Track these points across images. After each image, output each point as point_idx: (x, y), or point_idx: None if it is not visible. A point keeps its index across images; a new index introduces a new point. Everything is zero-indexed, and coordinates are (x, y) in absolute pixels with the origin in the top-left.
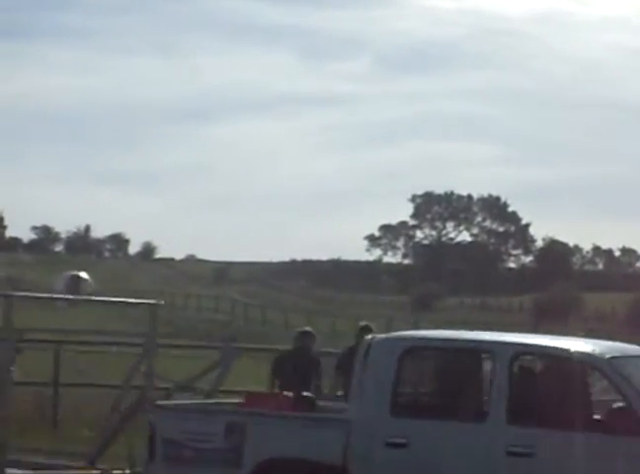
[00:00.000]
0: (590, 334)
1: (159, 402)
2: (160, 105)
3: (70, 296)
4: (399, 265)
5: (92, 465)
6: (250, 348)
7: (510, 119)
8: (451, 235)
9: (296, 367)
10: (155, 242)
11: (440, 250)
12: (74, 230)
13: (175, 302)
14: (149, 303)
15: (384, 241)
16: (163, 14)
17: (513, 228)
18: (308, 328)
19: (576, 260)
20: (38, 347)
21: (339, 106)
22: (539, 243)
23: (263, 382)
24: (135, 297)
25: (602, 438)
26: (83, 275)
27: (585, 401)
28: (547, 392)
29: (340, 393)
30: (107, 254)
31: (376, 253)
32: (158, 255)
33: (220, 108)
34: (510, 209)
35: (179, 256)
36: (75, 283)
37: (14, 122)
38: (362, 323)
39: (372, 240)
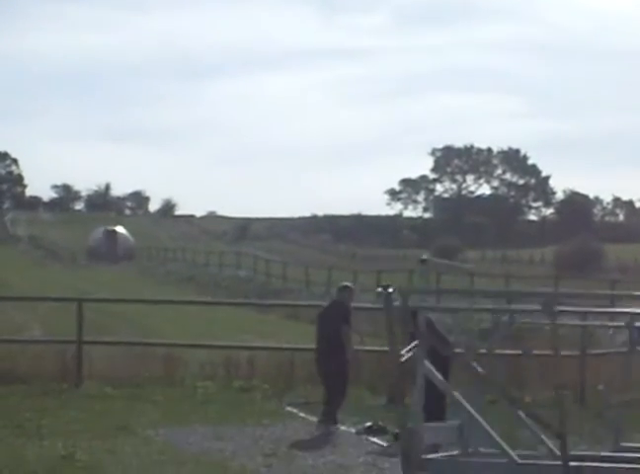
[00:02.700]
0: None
1: None
2: (177, 61)
3: None
4: (419, 218)
5: None
6: (274, 304)
7: (529, 72)
8: (472, 188)
9: (329, 318)
10: (175, 199)
11: (460, 203)
12: (94, 188)
13: (196, 259)
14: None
15: (405, 195)
16: None
17: (533, 181)
18: (347, 283)
19: (596, 211)
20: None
21: (358, 59)
22: (560, 195)
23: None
24: (163, 253)
25: None
26: (120, 229)
27: None
28: None
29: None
30: (127, 211)
31: (397, 207)
32: (178, 212)
33: (238, 63)
34: (530, 162)
35: (199, 213)
36: (112, 238)
37: (31, 81)
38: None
39: (393, 194)
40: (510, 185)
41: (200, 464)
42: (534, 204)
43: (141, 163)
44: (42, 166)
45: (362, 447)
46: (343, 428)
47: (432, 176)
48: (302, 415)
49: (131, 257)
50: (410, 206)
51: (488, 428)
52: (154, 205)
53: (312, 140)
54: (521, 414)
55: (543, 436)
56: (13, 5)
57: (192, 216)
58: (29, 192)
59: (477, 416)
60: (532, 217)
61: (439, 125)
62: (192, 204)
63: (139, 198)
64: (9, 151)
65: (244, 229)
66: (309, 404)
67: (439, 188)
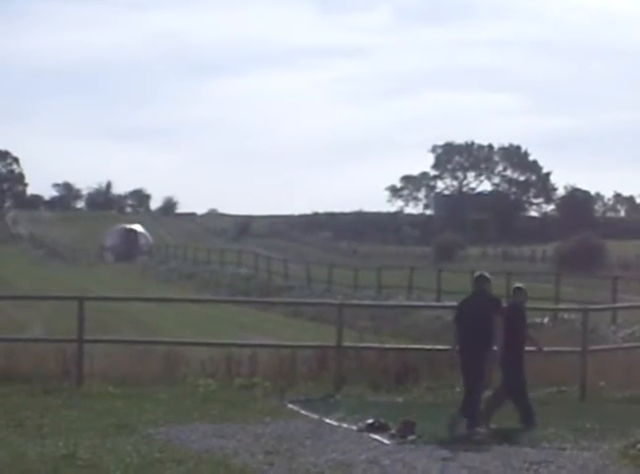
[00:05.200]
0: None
1: None
2: (177, 59)
3: None
4: (421, 215)
5: None
6: (276, 301)
7: (529, 69)
8: (472, 185)
9: (476, 309)
10: (176, 197)
11: (461, 200)
12: (95, 187)
13: (198, 257)
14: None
15: (405, 192)
16: None
17: (534, 177)
18: (483, 272)
19: (597, 207)
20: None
21: (358, 58)
22: (561, 191)
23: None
24: (164, 251)
25: None
26: (138, 228)
27: None
28: None
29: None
30: (128, 210)
31: (398, 204)
32: (179, 210)
33: (239, 61)
34: (530, 158)
35: (200, 210)
36: (132, 237)
37: (32, 80)
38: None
39: (394, 191)
40: (511, 181)
41: (202, 462)
42: (535, 201)
43: (142, 161)
44: (43, 164)
45: (364, 445)
46: (344, 425)
47: (432, 173)
48: (304, 412)
49: (150, 254)
50: (411, 203)
51: None
52: (155, 203)
53: (313, 138)
54: None
55: None
56: (13, 4)
57: (193, 214)
58: (30, 190)
59: None
60: (533, 214)
61: (439, 122)
62: (193, 202)
63: (140, 197)
64: (10, 150)
65: (245, 227)
66: (311, 401)
67: (439, 184)
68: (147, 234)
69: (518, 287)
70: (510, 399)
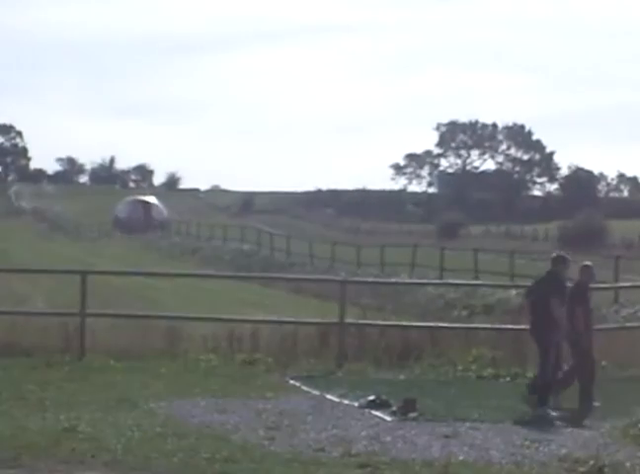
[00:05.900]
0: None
1: None
2: (182, 35)
3: None
4: (424, 193)
5: None
6: (278, 277)
7: (534, 47)
8: (476, 163)
9: (540, 289)
10: (180, 172)
11: (464, 178)
12: (99, 161)
13: (200, 232)
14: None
15: (409, 170)
16: None
17: (537, 156)
18: (562, 252)
19: (601, 187)
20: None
21: (362, 35)
22: (564, 171)
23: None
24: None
25: None
26: (152, 199)
27: None
28: None
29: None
30: (132, 185)
31: (401, 182)
32: (183, 185)
33: (243, 37)
34: (534, 137)
35: (204, 186)
36: (145, 210)
37: (36, 55)
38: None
39: (397, 169)
40: (514, 160)
41: (203, 437)
42: (539, 180)
43: (146, 136)
44: (47, 139)
45: (365, 421)
46: (346, 402)
47: (436, 151)
48: (305, 388)
49: (165, 228)
50: (414, 181)
51: None
52: (159, 179)
53: (317, 114)
54: None
55: None
56: None
57: (196, 190)
58: (33, 164)
59: None
60: (537, 193)
61: (444, 100)
62: (196, 178)
63: (144, 172)
64: (14, 124)
65: (248, 203)
66: (312, 378)
67: (443, 163)
68: (162, 207)
69: (585, 265)
70: (578, 380)
